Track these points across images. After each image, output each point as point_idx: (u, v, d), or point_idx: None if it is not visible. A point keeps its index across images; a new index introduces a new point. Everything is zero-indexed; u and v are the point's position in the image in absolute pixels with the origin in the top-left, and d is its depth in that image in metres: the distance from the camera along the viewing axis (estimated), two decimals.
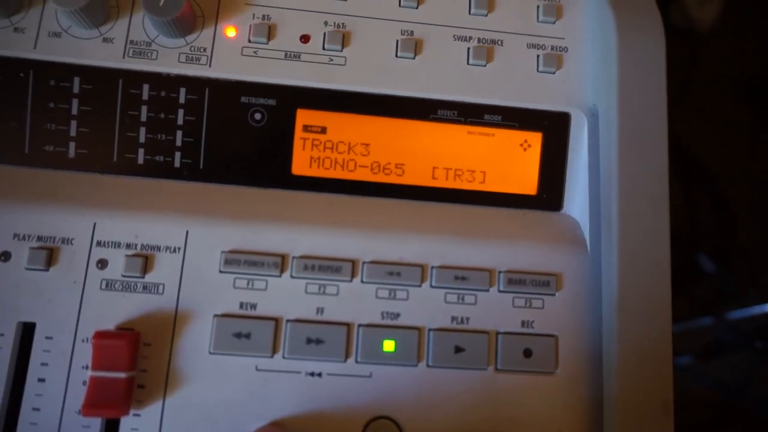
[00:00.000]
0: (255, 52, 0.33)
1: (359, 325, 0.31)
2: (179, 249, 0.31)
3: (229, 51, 0.33)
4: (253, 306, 0.31)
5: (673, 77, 0.33)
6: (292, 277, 0.31)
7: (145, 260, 0.31)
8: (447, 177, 0.34)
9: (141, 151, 0.33)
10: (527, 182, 0.35)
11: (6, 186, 0.31)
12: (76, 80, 0.32)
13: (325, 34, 0.34)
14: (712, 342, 0.89)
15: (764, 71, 0.93)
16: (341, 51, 0.34)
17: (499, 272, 0.32)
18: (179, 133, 0.33)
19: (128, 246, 0.31)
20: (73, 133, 0.33)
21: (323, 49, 0.34)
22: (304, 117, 0.34)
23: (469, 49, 0.34)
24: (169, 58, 0.33)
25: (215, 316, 0.31)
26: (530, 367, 0.31)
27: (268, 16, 0.34)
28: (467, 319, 0.32)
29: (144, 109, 0.33)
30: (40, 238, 0.30)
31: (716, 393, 0.86)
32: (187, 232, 0.31)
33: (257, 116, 0.33)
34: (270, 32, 0.33)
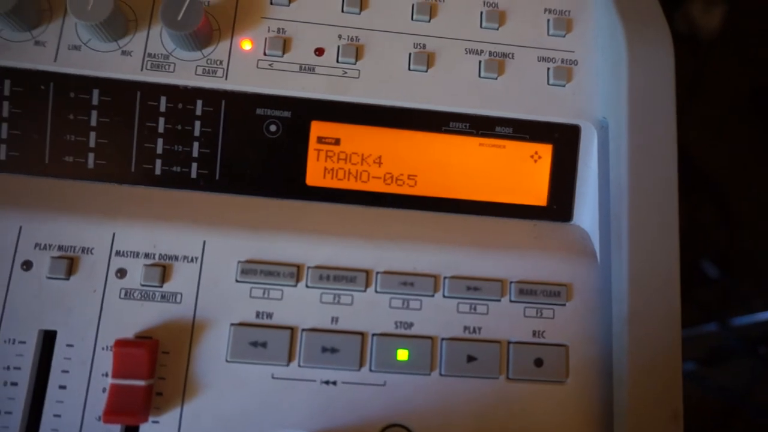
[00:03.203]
0: (270, 64, 0.34)
1: (373, 335, 0.32)
2: (196, 259, 0.32)
3: (244, 64, 0.34)
4: (269, 315, 0.31)
5: (678, 84, 0.34)
6: (307, 286, 0.32)
7: (163, 270, 0.31)
8: (458, 188, 0.35)
9: (158, 162, 0.34)
10: (538, 193, 0.35)
11: (27, 196, 0.32)
12: (96, 92, 0.33)
13: (339, 47, 0.34)
14: (715, 348, 0.89)
15: None
16: (355, 64, 0.34)
17: (511, 282, 0.33)
18: (196, 145, 0.34)
19: (147, 256, 0.32)
20: (92, 144, 0.33)
21: (337, 61, 0.34)
22: (318, 129, 0.34)
23: (480, 62, 0.35)
24: (186, 71, 0.33)
25: (232, 324, 0.31)
26: (541, 376, 0.32)
27: (283, 29, 0.34)
28: (479, 328, 0.32)
29: (161, 120, 0.33)
30: (60, 248, 0.31)
31: (719, 399, 0.87)
32: (204, 242, 0.32)
33: (272, 128, 0.34)
34: (285, 45, 0.34)
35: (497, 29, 0.36)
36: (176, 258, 0.32)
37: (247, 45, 0.34)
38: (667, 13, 0.35)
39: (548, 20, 0.36)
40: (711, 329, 0.88)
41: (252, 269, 0.32)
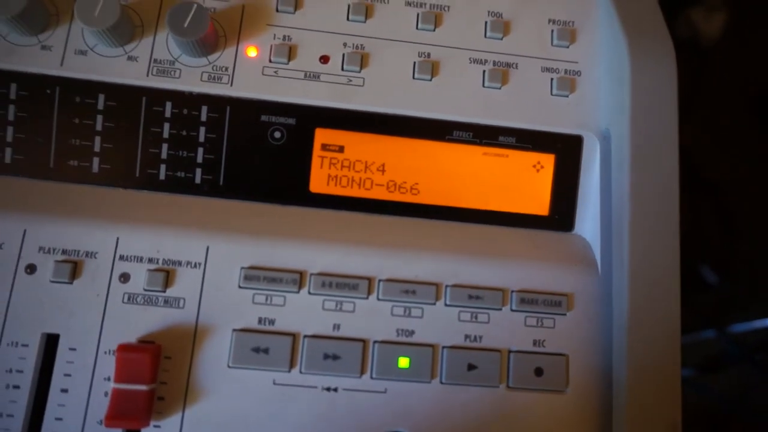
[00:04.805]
0: (275, 71, 0.34)
1: (375, 342, 0.32)
2: (200, 264, 0.32)
3: (250, 70, 0.34)
4: (272, 321, 0.32)
5: (679, 89, 0.34)
6: (309, 293, 0.32)
7: (166, 275, 0.31)
8: (461, 197, 0.35)
9: (163, 167, 0.34)
10: (540, 203, 0.35)
11: (32, 200, 0.32)
12: (101, 97, 0.33)
13: (344, 55, 0.34)
14: (713, 355, 0.89)
15: None
16: (360, 72, 0.34)
17: (512, 292, 0.33)
18: (200, 150, 0.34)
19: (150, 260, 0.32)
20: (97, 148, 0.33)
21: (342, 69, 0.34)
22: (322, 136, 0.34)
23: (484, 71, 0.35)
24: (192, 77, 0.33)
25: (234, 330, 0.31)
26: (541, 385, 0.32)
27: (288, 36, 0.35)
28: (480, 337, 0.32)
29: (166, 126, 0.34)
30: (64, 252, 0.31)
31: (717, 405, 0.87)
32: (207, 248, 0.32)
33: (277, 135, 0.34)
34: (290, 52, 0.34)
35: (501, 39, 0.36)
36: (180, 263, 0.32)
37: (252, 52, 0.34)
38: (669, 18, 0.35)
39: (552, 31, 0.36)
40: (709, 336, 0.88)
41: (255, 275, 0.32)
